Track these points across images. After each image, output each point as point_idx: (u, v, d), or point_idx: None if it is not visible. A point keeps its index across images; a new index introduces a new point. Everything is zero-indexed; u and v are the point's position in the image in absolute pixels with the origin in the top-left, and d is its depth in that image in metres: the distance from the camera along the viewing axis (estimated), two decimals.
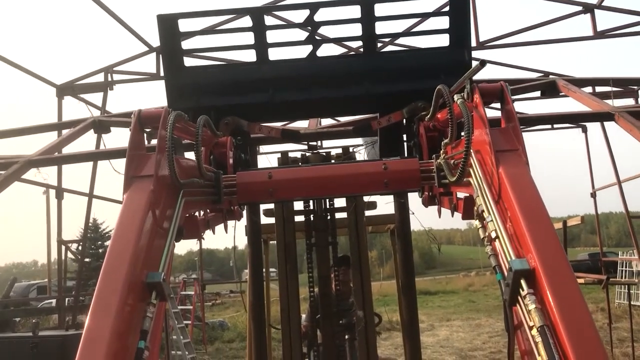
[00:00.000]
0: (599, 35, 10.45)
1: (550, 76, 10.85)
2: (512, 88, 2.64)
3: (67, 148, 5.03)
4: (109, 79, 10.80)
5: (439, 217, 3.32)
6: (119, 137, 5.49)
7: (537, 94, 6.66)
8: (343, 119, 6.53)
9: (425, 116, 3.34)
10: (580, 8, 10.53)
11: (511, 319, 1.92)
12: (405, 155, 3.87)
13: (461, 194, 2.85)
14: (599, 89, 9.26)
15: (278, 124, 5.13)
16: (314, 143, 5.13)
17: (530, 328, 1.73)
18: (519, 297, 1.84)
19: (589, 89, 8.22)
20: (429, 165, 3.02)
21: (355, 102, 3.94)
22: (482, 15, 10.84)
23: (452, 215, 3.03)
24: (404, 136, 3.99)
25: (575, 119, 8.93)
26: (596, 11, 10.38)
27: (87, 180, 11.02)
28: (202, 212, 3.20)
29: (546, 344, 1.62)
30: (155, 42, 10.49)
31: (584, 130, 14.47)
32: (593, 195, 14.21)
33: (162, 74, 10.49)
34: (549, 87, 5.86)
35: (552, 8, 10.97)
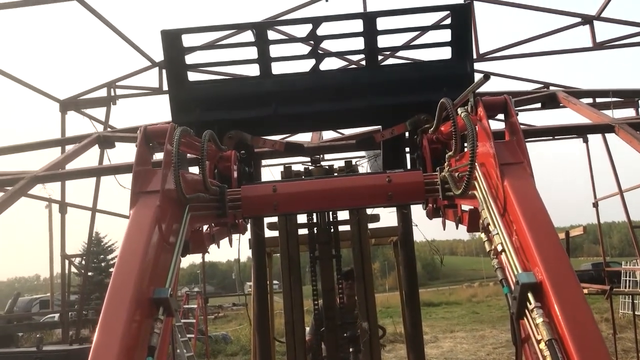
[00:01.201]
0: (599, 46, 10.50)
1: (551, 87, 10.90)
2: (513, 100, 2.66)
3: (70, 163, 5.06)
4: (112, 93, 10.86)
5: (444, 229, 3.32)
6: (122, 152, 5.53)
7: (538, 105, 6.70)
8: (346, 132, 6.55)
9: (428, 129, 3.35)
10: (579, 19, 10.59)
11: (518, 332, 1.92)
12: (409, 167, 3.88)
13: (466, 207, 2.85)
14: (599, 100, 9.30)
15: (281, 137, 5.15)
16: (317, 156, 5.14)
17: (538, 342, 1.73)
18: (526, 311, 1.84)
19: (589, 100, 8.26)
20: (433, 177, 3.02)
21: (358, 114, 3.96)
22: (482, 27, 10.89)
23: (457, 228, 3.03)
24: (407, 149, 4.01)
25: (576, 131, 8.93)
26: (595, 22, 10.44)
27: (88, 194, 11.06)
28: (206, 226, 3.20)
29: (554, 358, 1.62)
30: (158, 57, 10.57)
31: (585, 140, 14.48)
32: (595, 205, 14.18)
33: (164, 88, 10.56)
34: (549, 99, 5.89)
35: (552, 20, 11.06)
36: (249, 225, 4.18)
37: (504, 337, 19.04)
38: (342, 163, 4.83)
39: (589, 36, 10.49)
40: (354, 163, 4.87)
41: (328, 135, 7.05)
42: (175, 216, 2.43)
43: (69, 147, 5.36)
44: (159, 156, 2.61)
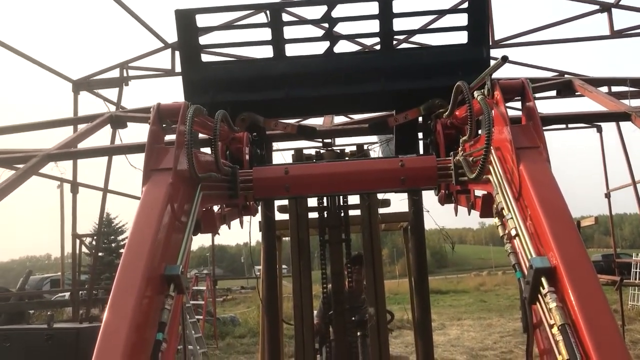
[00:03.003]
0: (616, 34, 10.36)
1: (566, 76, 10.78)
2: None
3: (82, 142, 5.07)
4: (125, 74, 10.88)
5: (456, 215, 3.30)
6: (133, 134, 5.53)
7: (553, 93, 6.61)
8: (357, 117, 6.52)
9: (442, 113, 3.31)
10: (597, 7, 10.44)
11: (530, 317, 1.91)
12: (421, 152, 3.85)
13: (479, 192, 2.83)
14: (615, 88, 9.18)
15: (293, 121, 5.13)
16: (329, 140, 5.12)
17: (551, 327, 1.71)
18: (539, 296, 1.82)
19: (605, 89, 8.14)
20: (446, 162, 3.00)
21: (372, 99, 3.92)
22: (498, 13, 10.78)
23: (469, 214, 3.01)
24: (420, 134, 3.98)
25: (592, 119, 8.85)
26: (613, 10, 10.29)
27: (100, 176, 11.13)
28: (217, 207, 3.21)
29: (567, 343, 1.61)
30: (170, 38, 10.55)
31: (599, 130, 14.36)
32: (607, 195, 14.09)
33: (177, 70, 10.57)
34: (565, 86, 5.80)
35: (569, 7, 10.90)
36: (259, 208, 4.18)
37: (511, 325, 19.05)
38: (353, 148, 4.80)
39: (606, 24, 10.35)
40: (365, 148, 4.85)
41: (339, 120, 7.02)
42: (187, 195, 2.43)
43: (81, 127, 5.37)
44: (170, 138, 2.61)
